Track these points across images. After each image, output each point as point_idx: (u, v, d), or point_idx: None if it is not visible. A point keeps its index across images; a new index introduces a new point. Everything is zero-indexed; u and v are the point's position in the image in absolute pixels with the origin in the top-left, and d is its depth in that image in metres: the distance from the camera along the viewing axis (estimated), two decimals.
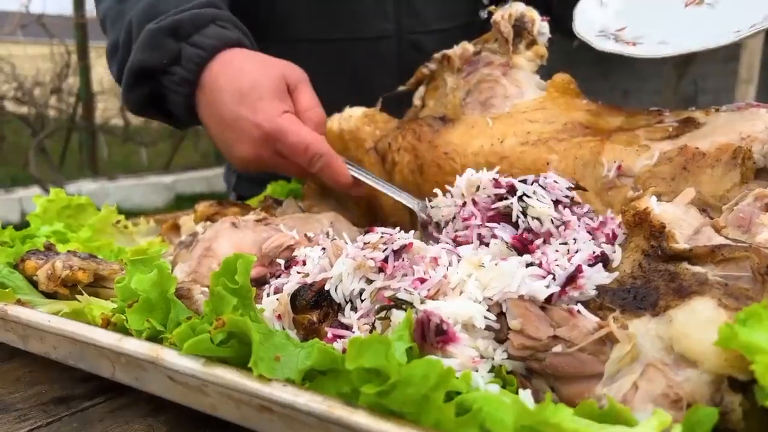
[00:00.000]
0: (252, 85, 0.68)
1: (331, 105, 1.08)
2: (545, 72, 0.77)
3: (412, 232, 0.52)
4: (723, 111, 0.67)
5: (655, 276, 0.36)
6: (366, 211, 0.79)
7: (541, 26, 0.76)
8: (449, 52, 0.79)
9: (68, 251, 0.55)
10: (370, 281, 0.42)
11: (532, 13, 0.76)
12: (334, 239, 0.54)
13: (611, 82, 10.70)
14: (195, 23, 0.70)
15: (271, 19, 1.03)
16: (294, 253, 0.53)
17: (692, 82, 9.16)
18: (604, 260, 0.40)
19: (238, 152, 0.70)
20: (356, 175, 0.69)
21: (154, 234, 0.81)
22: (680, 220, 0.39)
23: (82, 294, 0.51)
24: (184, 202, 6.32)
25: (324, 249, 0.49)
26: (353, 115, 0.80)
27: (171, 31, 0.69)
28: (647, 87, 10.58)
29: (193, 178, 6.64)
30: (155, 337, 0.42)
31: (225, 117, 0.68)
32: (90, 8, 6.91)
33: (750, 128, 0.60)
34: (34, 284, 0.54)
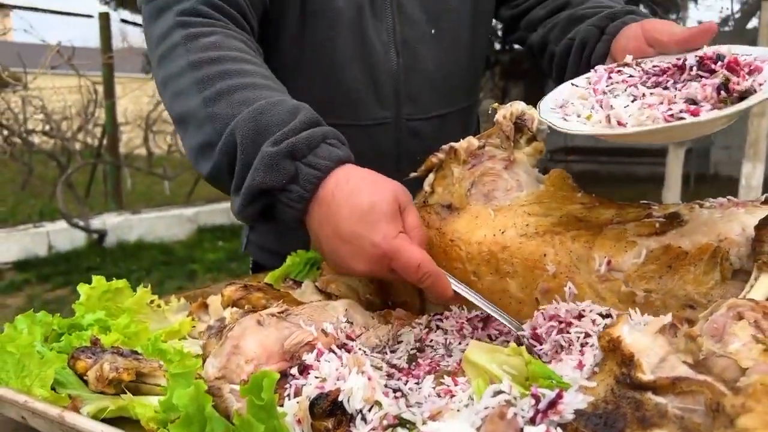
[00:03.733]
0: (371, 206, 0.71)
1: None
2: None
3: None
4: (706, 207, 0.73)
5: (624, 403, 0.42)
6: (378, 289, 0.86)
7: (539, 122, 0.83)
8: (456, 145, 0.85)
9: (113, 349, 0.62)
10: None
11: (532, 112, 0.83)
12: (354, 351, 0.61)
13: None
14: (309, 144, 0.75)
15: None
16: (313, 355, 0.59)
17: None
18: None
19: (354, 266, 0.73)
20: (458, 290, 0.72)
21: (185, 310, 0.88)
22: (648, 349, 0.45)
23: (125, 391, 0.58)
24: (205, 234, 6.45)
25: (341, 358, 0.56)
26: None
27: (288, 154, 0.74)
28: None
29: (214, 211, 6.77)
30: None
31: (343, 233, 0.72)
32: (116, 43, 7.17)
33: (728, 230, 0.66)
34: (83, 378, 0.61)
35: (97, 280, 0.79)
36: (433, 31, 1.08)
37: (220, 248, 5.99)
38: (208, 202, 7.12)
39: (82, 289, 0.77)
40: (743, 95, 0.61)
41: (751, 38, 5.97)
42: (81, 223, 5.43)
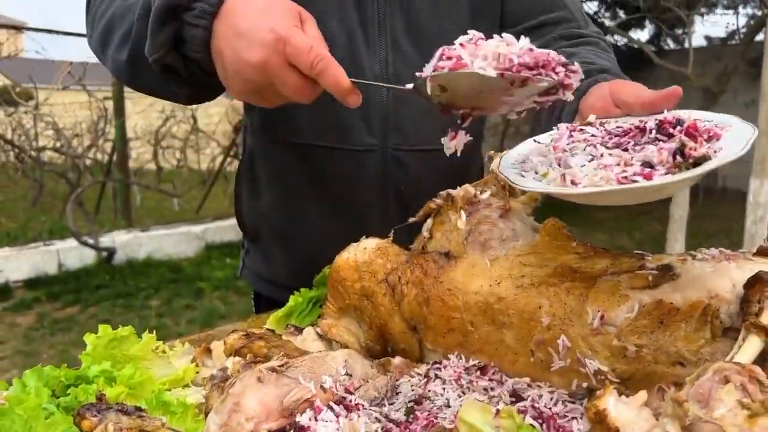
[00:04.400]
0: (269, 4, 0.75)
1: (318, 209, 1.17)
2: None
3: None
4: (698, 260, 0.74)
5: None
6: (377, 337, 0.87)
7: None
8: (453, 192, 0.87)
9: (117, 406, 0.64)
10: None
11: None
12: (351, 410, 0.62)
13: None
14: None
15: (276, 117, 1.14)
16: (310, 415, 0.61)
17: None
18: None
19: (249, 57, 0.73)
20: (354, 80, 0.74)
21: (189, 354, 0.90)
22: (633, 423, 0.46)
23: None
24: (213, 251, 6.49)
25: (339, 416, 0.57)
26: (367, 247, 0.89)
27: None
28: None
29: (222, 227, 6.81)
30: None
31: (240, 27, 0.74)
32: None
33: (719, 286, 0.67)
34: None
35: (103, 328, 0.81)
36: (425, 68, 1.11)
37: (227, 265, 6.01)
38: (216, 218, 7.16)
39: (89, 339, 0.79)
40: (698, 161, 0.62)
41: (758, 52, 5.96)
42: (90, 241, 5.48)
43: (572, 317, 0.72)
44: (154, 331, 0.88)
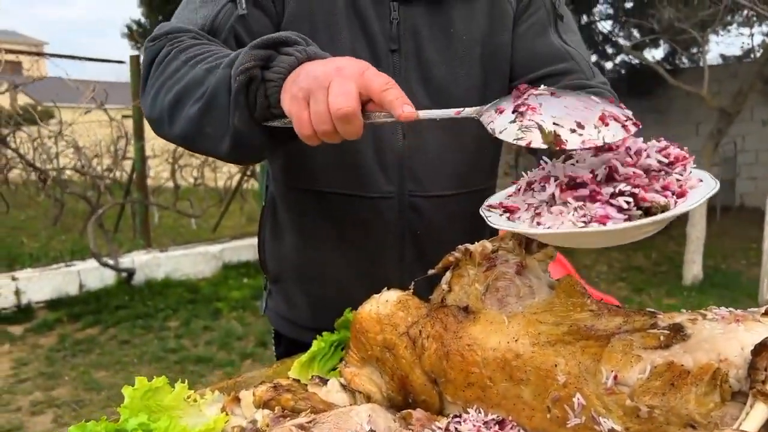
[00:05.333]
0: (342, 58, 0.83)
1: (337, 252, 1.21)
2: None
3: None
4: (708, 319, 0.77)
5: None
6: (399, 388, 0.90)
7: None
8: (471, 247, 0.91)
9: None
10: None
11: None
12: None
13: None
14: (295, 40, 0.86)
15: (297, 165, 1.19)
16: None
17: (731, 142, 9.13)
18: None
19: (327, 61, 0.82)
20: (423, 115, 0.81)
21: (219, 402, 0.94)
22: None
23: None
24: (230, 271, 6.56)
25: None
26: (389, 300, 0.93)
27: (273, 45, 0.85)
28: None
29: (239, 247, 6.89)
30: None
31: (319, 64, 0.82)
32: None
33: (727, 350, 0.70)
34: None
35: (139, 381, 0.85)
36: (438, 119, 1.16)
37: (244, 285, 6.08)
38: (233, 238, 7.24)
39: (126, 391, 0.83)
40: (663, 209, 0.68)
41: None
42: (111, 262, 5.57)
43: (587, 376, 0.75)
44: (186, 381, 0.92)
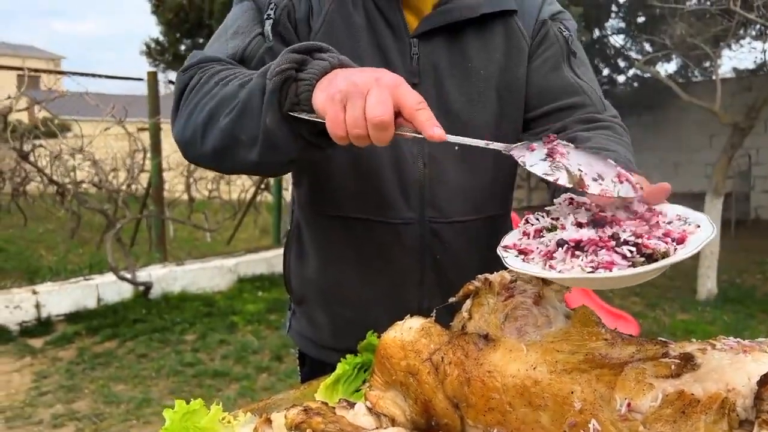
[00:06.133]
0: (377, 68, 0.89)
1: (360, 276, 1.27)
2: None
3: None
4: (718, 349, 0.81)
5: None
6: (422, 411, 0.95)
7: None
8: (490, 277, 0.96)
9: None
10: None
11: None
12: None
13: (660, 155, 10.76)
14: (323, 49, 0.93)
15: (322, 192, 1.26)
16: None
17: (746, 155, 9.11)
18: None
19: (364, 70, 0.87)
20: (450, 139, 0.85)
21: (252, 423, 0.99)
22: None
23: None
24: (245, 284, 6.64)
25: None
26: (412, 327, 0.97)
27: (307, 50, 0.91)
28: (697, 159, 10.56)
29: (254, 260, 6.97)
30: None
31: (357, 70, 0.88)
32: (162, 90, 7.53)
33: (735, 380, 0.74)
34: None
35: (179, 404, 0.91)
36: (456, 148, 1.21)
37: (259, 299, 6.15)
38: (247, 252, 7.32)
39: (167, 414, 0.89)
40: (664, 255, 0.74)
41: None
42: (128, 276, 5.65)
43: (602, 403, 0.79)
44: (221, 403, 0.97)
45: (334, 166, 1.21)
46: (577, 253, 0.76)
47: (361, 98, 0.83)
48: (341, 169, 1.21)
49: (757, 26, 6.43)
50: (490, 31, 1.20)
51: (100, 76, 6.18)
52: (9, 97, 4.73)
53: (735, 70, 9.18)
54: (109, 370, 4.44)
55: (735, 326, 4.96)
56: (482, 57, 1.21)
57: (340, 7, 1.16)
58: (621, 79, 9.64)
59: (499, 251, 0.86)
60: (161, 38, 7.83)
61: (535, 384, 0.84)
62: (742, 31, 6.89)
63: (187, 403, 0.94)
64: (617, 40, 9.17)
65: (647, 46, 8.30)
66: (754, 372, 0.74)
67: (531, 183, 12.19)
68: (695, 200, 9.72)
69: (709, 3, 6.98)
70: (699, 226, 0.78)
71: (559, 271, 0.77)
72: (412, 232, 1.23)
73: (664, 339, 0.86)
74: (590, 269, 0.74)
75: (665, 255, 0.73)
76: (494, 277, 0.96)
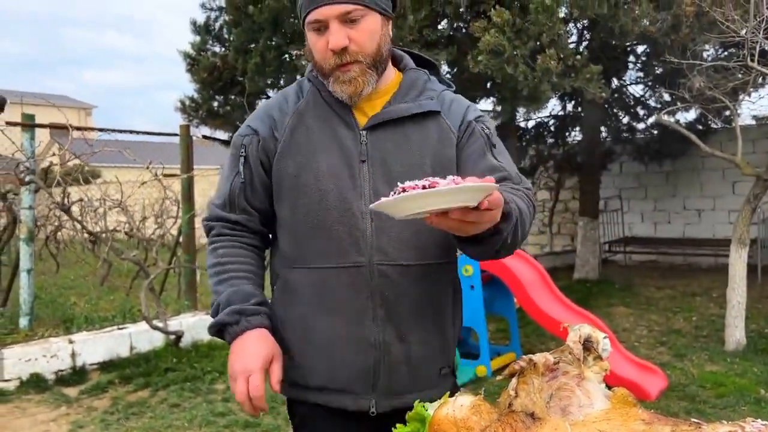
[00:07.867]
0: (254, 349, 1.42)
1: (325, 319, 1.52)
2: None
3: None
4: (747, 429, 0.90)
5: None
6: None
7: (603, 344, 1.03)
8: (535, 358, 1.06)
9: None
10: None
11: (597, 334, 1.04)
12: None
13: (681, 201, 10.77)
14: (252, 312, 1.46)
15: (294, 249, 1.53)
16: None
17: None
18: None
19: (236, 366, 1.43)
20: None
21: None
22: None
23: None
24: None
25: None
26: (464, 404, 1.07)
27: (237, 313, 1.44)
28: (720, 206, 10.55)
29: None
30: None
31: (241, 350, 1.44)
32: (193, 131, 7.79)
33: None
34: None
35: None
36: None
37: None
38: None
39: None
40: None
41: None
42: (161, 325, 5.78)
43: None
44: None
45: (293, 226, 1.51)
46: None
47: (233, 384, 1.44)
48: (298, 228, 1.50)
49: None
50: (425, 125, 1.51)
51: (137, 132, 6.45)
52: (54, 154, 4.95)
53: (755, 117, 9.23)
54: (142, 419, 4.52)
55: (766, 379, 4.92)
56: (419, 139, 1.50)
57: (301, 117, 1.52)
58: (641, 126, 9.74)
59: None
60: (195, 95, 8.16)
61: None
62: (761, 80, 6.99)
63: None
64: (636, 90, 9.32)
65: (666, 96, 8.42)
66: None
67: (552, 229, 12.25)
68: (720, 246, 9.67)
69: (725, 54, 7.12)
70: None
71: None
72: (362, 275, 1.46)
73: (697, 420, 0.95)
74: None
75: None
76: (538, 358, 1.06)
